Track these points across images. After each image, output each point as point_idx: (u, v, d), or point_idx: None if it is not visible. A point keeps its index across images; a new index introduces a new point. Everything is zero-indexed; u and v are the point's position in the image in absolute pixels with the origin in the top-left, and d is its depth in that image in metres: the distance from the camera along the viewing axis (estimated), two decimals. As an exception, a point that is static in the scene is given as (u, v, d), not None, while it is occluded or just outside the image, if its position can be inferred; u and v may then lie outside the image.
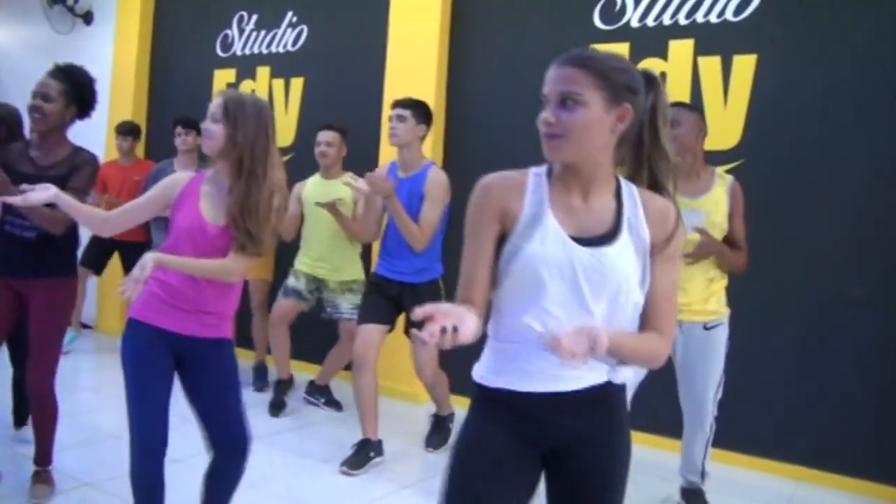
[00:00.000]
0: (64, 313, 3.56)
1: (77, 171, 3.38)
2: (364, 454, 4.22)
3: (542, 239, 1.75)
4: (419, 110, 4.39)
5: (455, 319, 1.52)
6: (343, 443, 4.41)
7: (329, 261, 5.16)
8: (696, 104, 4.78)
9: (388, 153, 5.68)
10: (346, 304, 5.16)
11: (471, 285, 1.81)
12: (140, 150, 7.25)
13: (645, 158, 1.86)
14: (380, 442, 4.31)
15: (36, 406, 3.57)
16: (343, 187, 4.88)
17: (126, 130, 6.66)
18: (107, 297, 7.18)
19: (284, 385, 5.41)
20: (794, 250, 4.57)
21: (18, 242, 3.39)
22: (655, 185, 1.87)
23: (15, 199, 2.75)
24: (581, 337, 1.55)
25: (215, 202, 2.78)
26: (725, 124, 4.73)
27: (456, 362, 4.57)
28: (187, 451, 4.20)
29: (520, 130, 5.35)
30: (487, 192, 1.84)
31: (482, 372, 1.89)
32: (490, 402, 1.87)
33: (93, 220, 2.92)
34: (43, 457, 3.61)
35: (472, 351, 1.83)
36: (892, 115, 4.36)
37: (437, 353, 4.31)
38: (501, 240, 1.82)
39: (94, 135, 7.03)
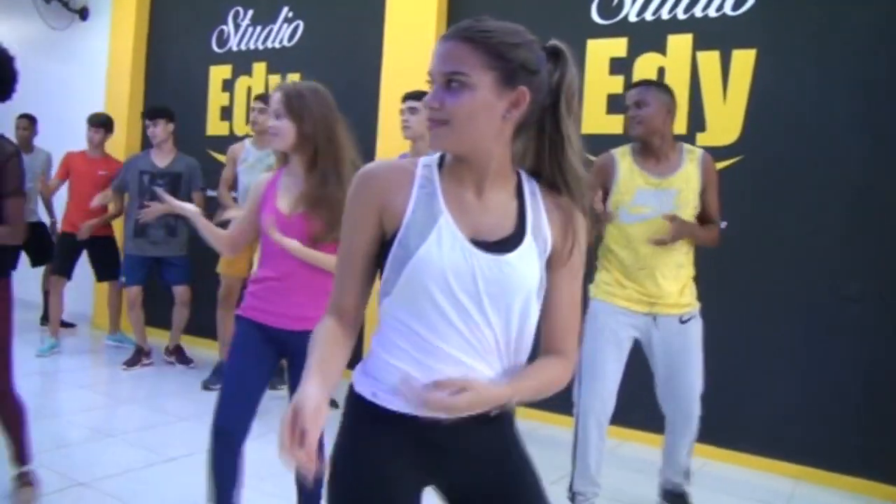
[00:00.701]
0: (3, 312, 3.23)
1: (4, 171, 3.02)
2: None
3: (437, 240, 1.50)
4: None
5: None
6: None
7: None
8: (694, 99, 4.75)
9: (385, 149, 5.63)
10: None
11: (343, 293, 1.61)
12: (134, 145, 7.20)
13: (545, 152, 1.58)
14: None
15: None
16: None
17: (98, 122, 6.50)
18: (102, 292, 7.11)
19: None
20: (793, 246, 4.51)
21: None
22: (555, 186, 1.60)
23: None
24: (456, 397, 1.42)
25: (293, 192, 2.83)
26: (724, 120, 4.67)
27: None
28: (182, 451, 4.18)
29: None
30: (366, 185, 1.57)
31: (371, 387, 1.57)
32: (380, 423, 1.56)
33: (222, 241, 3.03)
34: (20, 457, 3.37)
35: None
36: (892, 110, 4.30)
37: None
38: (386, 242, 1.56)
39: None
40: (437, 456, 1.58)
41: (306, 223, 2.77)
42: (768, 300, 4.57)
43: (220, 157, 6.54)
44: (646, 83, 3.68)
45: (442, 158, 1.61)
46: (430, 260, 1.48)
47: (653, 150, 3.49)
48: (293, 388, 2.94)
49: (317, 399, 1.39)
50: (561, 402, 5.16)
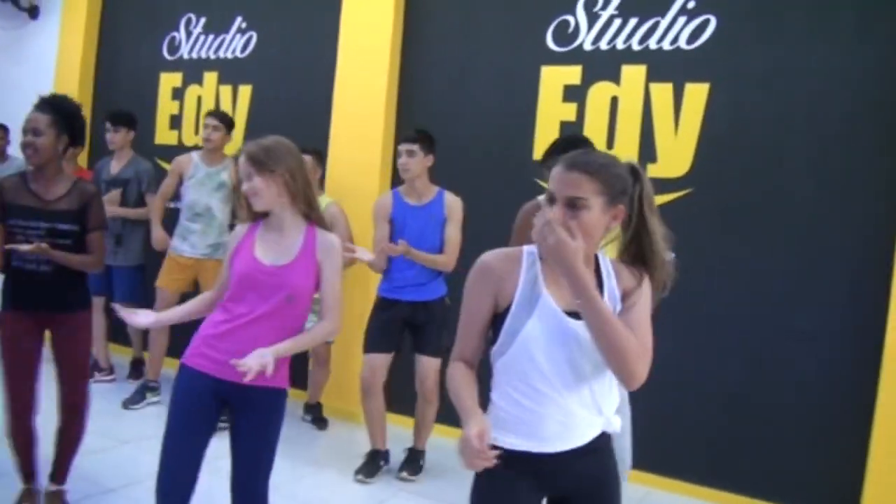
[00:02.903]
0: (89, 338, 3.58)
1: (90, 208, 3.38)
2: (375, 463, 4.41)
3: (539, 316, 1.91)
4: (425, 142, 4.43)
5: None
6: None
7: None
8: (646, 130, 4.62)
9: (335, 166, 5.44)
10: (308, 325, 4.93)
11: (465, 348, 2.03)
12: (84, 152, 6.85)
13: (633, 238, 2.00)
14: (388, 451, 4.48)
15: (67, 424, 3.50)
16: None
17: None
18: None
19: None
20: (742, 280, 4.40)
21: (37, 278, 3.33)
22: (642, 261, 2.02)
23: (133, 319, 2.78)
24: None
25: (275, 245, 2.71)
26: (675, 152, 4.53)
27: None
28: (121, 480, 3.90)
29: (469, 147, 5.15)
30: (486, 271, 1.99)
31: (495, 433, 1.93)
32: (506, 460, 1.89)
33: (203, 309, 2.85)
34: (63, 476, 3.56)
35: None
36: (842, 147, 4.20)
37: (439, 366, 4.32)
38: (498, 313, 1.98)
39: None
40: (549, 480, 2.00)
41: (293, 275, 2.65)
42: (715, 333, 4.46)
43: (168, 166, 6.26)
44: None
45: None
46: (535, 331, 1.91)
47: None
48: (231, 441, 2.71)
49: (487, 426, 1.82)
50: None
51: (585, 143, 3.49)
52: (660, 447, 4.33)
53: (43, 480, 3.56)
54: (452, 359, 2.04)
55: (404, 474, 4.42)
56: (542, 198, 3.48)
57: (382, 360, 4.37)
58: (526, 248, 2.01)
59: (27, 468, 3.52)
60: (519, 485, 1.97)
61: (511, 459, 1.92)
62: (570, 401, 1.94)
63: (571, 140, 3.58)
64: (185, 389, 2.67)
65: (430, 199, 4.44)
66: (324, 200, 5.07)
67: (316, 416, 5.34)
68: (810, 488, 4.24)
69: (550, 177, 1.92)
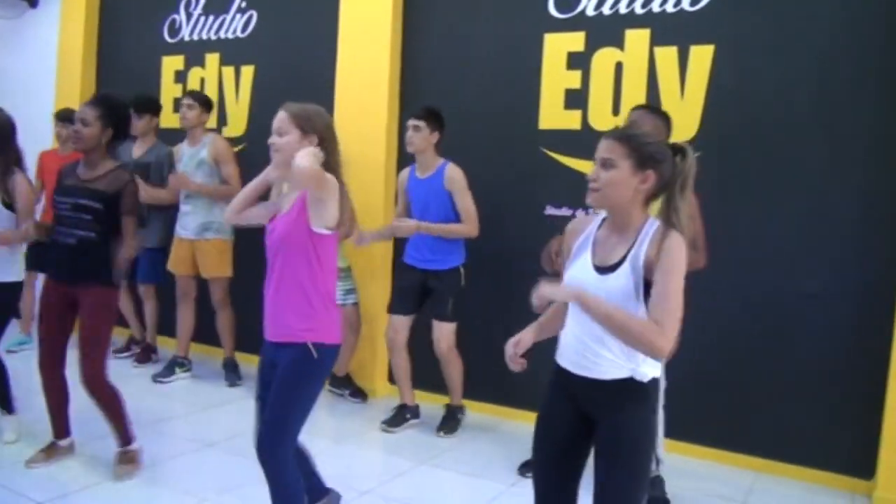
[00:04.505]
0: (106, 316, 3.82)
1: (123, 195, 3.71)
2: (401, 416, 4.78)
3: (577, 266, 2.33)
4: (432, 119, 4.59)
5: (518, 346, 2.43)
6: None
7: None
8: (652, 95, 4.54)
9: (341, 140, 5.31)
10: (338, 291, 5.00)
11: None
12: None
13: (667, 212, 2.27)
14: (416, 406, 4.85)
15: (94, 397, 3.76)
16: None
17: (67, 117, 6.02)
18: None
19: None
20: (751, 242, 4.35)
21: (62, 249, 3.71)
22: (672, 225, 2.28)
23: None
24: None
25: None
26: (682, 116, 4.42)
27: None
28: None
29: (473, 116, 5.09)
30: (567, 231, 2.51)
31: (558, 353, 2.43)
32: (557, 374, 2.42)
33: None
34: (121, 438, 3.84)
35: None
36: (849, 107, 4.12)
37: (454, 329, 4.68)
38: None
39: (40, 122, 6.65)
40: (579, 398, 2.36)
41: (281, 224, 2.87)
42: (725, 296, 4.40)
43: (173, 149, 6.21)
44: (642, 107, 3.86)
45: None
46: (571, 277, 2.33)
47: None
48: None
49: (525, 337, 2.45)
50: (522, 397, 5.02)
51: (658, 113, 3.83)
52: (675, 411, 4.30)
53: (68, 439, 3.95)
54: None
55: (441, 433, 4.67)
56: None
57: (402, 321, 4.73)
58: (602, 214, 2.37)
59: (57, 423, 3.89)
60: (559, 394, 2.41)
61: (559, 375, 2.39)
62: (586, 337, 2.27)
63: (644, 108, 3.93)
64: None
65: (433, 172, 4.63)
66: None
67: (354, 388, 5.37)
68: (824, 449, 4.22)
69: None
